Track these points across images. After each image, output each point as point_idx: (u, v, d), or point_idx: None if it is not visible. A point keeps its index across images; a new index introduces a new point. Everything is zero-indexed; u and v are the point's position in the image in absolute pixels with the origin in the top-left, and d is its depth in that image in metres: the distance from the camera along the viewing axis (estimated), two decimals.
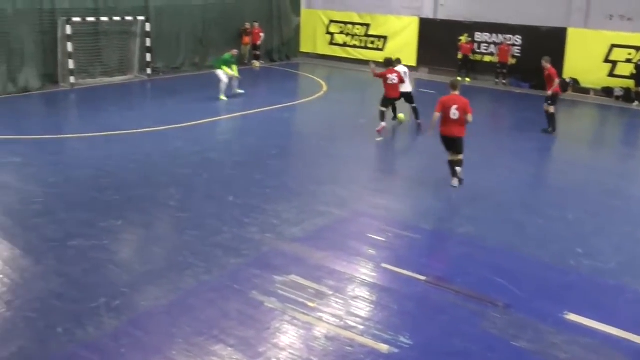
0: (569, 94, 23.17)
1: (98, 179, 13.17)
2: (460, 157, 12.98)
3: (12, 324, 7.77)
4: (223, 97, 21.30)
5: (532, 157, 16.39)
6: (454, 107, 12.65)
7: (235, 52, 22.58)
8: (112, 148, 15.50)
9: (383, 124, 17.05)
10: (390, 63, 17.73)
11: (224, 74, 21.28)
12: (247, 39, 28.84)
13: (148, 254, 9.88)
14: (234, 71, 21.51)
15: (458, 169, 13.02)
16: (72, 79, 22.91)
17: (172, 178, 13.41)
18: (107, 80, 24.36)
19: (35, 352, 7.19)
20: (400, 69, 17.83)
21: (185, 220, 11.16)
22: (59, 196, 12.22)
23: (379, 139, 16.59)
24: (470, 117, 12.74)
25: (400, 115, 18.66)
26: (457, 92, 12.89)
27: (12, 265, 9.32)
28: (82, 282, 8.81)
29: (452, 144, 12.92)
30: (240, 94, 22.01)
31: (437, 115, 12.86)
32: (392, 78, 17.19)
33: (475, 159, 14.58)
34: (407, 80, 18.07)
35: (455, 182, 13.02)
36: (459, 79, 15.00)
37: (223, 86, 21.30)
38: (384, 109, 17.26)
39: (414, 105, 18.31)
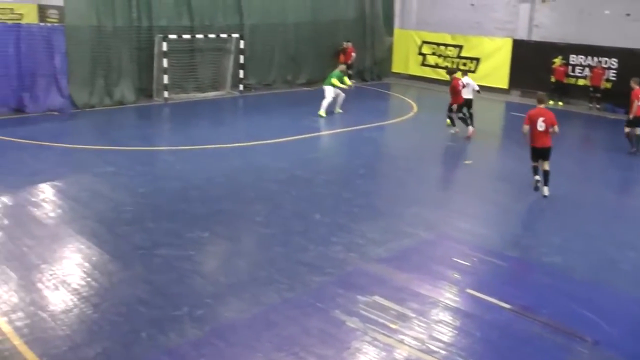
0: None
1: (186, 191, 13.34)
2: (547, 167, 13.63)
3: (99, 325, 7.91)
4: (322, 114, 21.47)
5: (624, 187, 15.81)
6: (541, 119, 13.40)
7: (343, 68, 23.16)
8: (202, 162, 15.71)
9: (471, 128, 19.01)
10: (454, 72, 20.00)
11: (332, 90, 21.53)
12: (343, 58, 28.96)
13: (233, 267, 9.89)
14: (346, 82, 22.08)
15: (539, 178, 13.72)
16: (165, 94, 23.49)
17: (260, 193, 13.45)
18: (199, 95, 24.87)
19: (118, 354, 7.27)
20: (465, 80, 19.81)
21: (270, 236, 11.14)
22: (148, 206, 12.43)
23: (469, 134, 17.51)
24: (556, 129, 13.42)
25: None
26: (542, 106, 13.63)
27: (101, 269, 9.50)
28: (167, 290, 8.89)
29: (541, 154, 13.64)
30: (339, 113, 22.13)
31: (526, 128, 13.59)
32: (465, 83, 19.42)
33: (565, 188, 14.19)
34: (469, 89, 19.84)
35: (546, 190, 13.62)
36: (551, 102, 15.37)
37: (325, 103, 21.50)
38: (460, 114, 19.07)
39: (471, 111, 19.63)
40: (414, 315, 8.42)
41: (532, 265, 10.48)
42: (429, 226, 11.87)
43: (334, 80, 21.60)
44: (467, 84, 19.83)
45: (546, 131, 13.43)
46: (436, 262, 10.24)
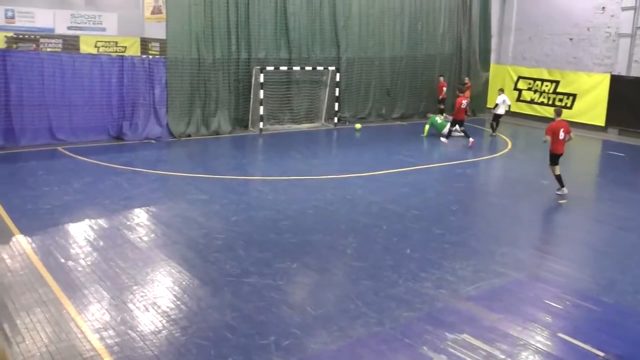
0: None
1: (278, 221, 13.37)
2: (559, 171, 16.22)
3: (186, 348, 7.96)
4: (444, 140, 23.67)
5: None
6: (562, 130, 16.02)
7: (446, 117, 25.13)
8: (294, 192, 15.76)
9: (471, 139, 22.94)
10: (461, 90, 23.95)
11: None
12: (466, 92, 29.61)
13: (321, 299, 9.77)
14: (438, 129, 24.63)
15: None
16: (261, 125, 23.82)
17: (351, 226, 13.34)
18: (294, 127, 25.18)
19: None
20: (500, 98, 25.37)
21: (360, 269, 10.99)
22: (239, 234, 12.49)
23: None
24: (572, 135, 16.44)
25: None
26: (560, 118, 16.35)
27: (190, 294, 9.58)
28: (255, 318, 8.86)
29: (559, 158, 16.19)
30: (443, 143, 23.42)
31: (548, 138, 16.13)
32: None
33: None
34: (502, 106, 25.40)
35: (565, 189, 16.16)
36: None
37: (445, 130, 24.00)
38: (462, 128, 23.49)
39: (492, 122, 25.55)
40: (503, 357, 8.13)
41: (629, 312, 9.90)
42: (520, 266, 11.50)
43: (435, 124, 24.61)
44: (503, 101, 25.29)
45: (564, 139, 16.10)
46: (527, 304, 9.88)
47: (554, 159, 16.25)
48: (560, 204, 15.84)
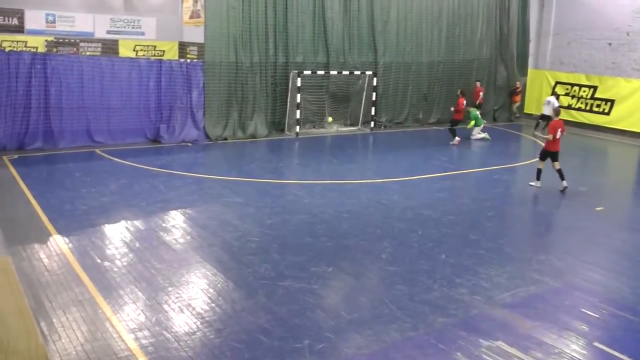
0: None
1: (313, 225, 13.36)
2: (559, 166, 17.30)
3: (220, 350, 7.98)
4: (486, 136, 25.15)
5: None
6: (559, 129, 17.02)
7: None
8: (330, 196, 15.74)
9: (457, 138, 23.76)
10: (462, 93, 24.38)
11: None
12: (516, 98, 30.50)
13: (355, 303, 9.73)
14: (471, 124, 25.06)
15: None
16: (297, 128, 23.87)
17: (386, 231, 13.28)
18: (331, 131, 25.14)
19: None
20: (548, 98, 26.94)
21: (395, 274, 10.93)
22: (274, 237, 12.50)
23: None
24: (565, 133, 17.70)
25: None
26: (558, 118, 17.36)
27: (224, 296, 9.61)
28: (289, 321, 8.85)
29: (555, 156, 17.23)
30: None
31: (551, 136, 17.04)
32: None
33: None
34: (547, 107, 26.29)
35: (539, 183, 17.58)
36: None
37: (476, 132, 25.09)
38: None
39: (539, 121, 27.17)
40: None
41: None
42: (557, 274, 11.32)
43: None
44: (549, 101, 26.48)
45: (560, 138, 17.16)
46: (563, 312, 9.72)
47: (548, 155, 17.31)
48: (598, 210, 15.60)
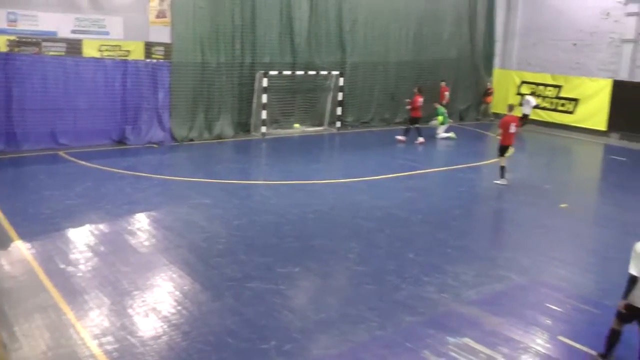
0: None
1: (280, 226, 13.33)
2: (505, 162, 17.80)
3: (187, 353, 7.93)
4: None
5: None
6: (513, 124, 17.55)
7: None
8: (296, 197, 15.71)
9: (421, 138, 24.00)
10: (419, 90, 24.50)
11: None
12: (488, 99, 30.91)
13: (323, 303, 9.73)
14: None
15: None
16: (263, 129, 23.81)
17: (353, 231, 13.29)
18: (297, 131, 25.12)
19: None
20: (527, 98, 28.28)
21: (363, 273, 10.94)
22: (241, 238, 12.45)
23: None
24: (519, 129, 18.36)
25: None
26: (512, 113, 18.00)
27: (191, 298, 9.55)
28: (256, 322, 8.82)
29: (506, 150, 17.69)
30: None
31: (500, 131, 17.67)
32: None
33: None
34: (526, 106, 27.78)
35: (505, 181, 17.67)
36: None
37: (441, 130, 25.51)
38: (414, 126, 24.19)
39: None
40: None
41: None
42: (522, 271, 11.46)
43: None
44: (528, 101, 27.80)
45: (514, 133, 17.67)
46: (529, 308, 9.87)
47: (504, 150, 17.71)
48: (562, 207, 15.79)
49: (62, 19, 30.41)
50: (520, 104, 27.55)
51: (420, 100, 24.11)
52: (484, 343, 8.53)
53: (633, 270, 7.89)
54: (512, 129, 17.56)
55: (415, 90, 24.54)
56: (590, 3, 28.83)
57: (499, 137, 17.92)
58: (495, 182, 17.81)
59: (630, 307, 8.06)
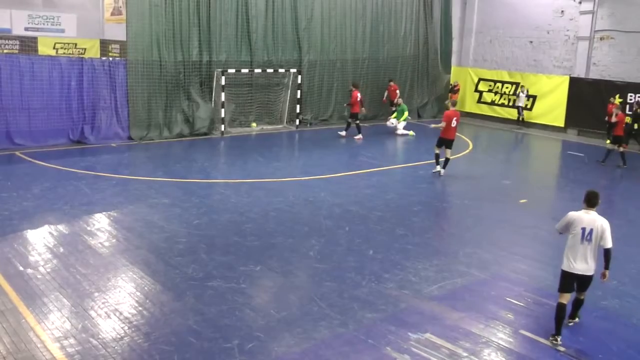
0: None
1: (240, 224, 13.33)
2: (450, 155, 18.63)
3: (149, 354, 7.90)
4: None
5: None
6: (455, 118, 18.10)
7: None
8: (256, 195, 15.72)
9: (360, 135, 24.46)
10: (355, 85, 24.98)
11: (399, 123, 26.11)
12: (454, 96, 30.49)
13: (284, 301, 9.77)
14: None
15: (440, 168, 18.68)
16: (222, 127, 23.71)
17: (313, 228, 13.35)
18: (256, 129, 25.11)
19: None
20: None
21: (323, 271, 11.01)
22: (202, 238, 12.43)
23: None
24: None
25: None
26: (454, 108, 18.48)
27: (152, 299, 9.52)
28: (218, 322, 8.84)
29: (449, 144, 18.36)
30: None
31: (443, 124, 18.17)
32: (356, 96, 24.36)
33: (623, 230, 13.67)
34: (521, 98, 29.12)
35: (442, 171, 18.58)
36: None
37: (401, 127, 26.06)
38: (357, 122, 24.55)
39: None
40: (465, 355, 8.26)
41: (589, 308, 10.04)
42: (483, 266, 11.63)
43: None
44: (519, 95, 29.10)
45: (456, 127, 18.28)
46: (490, 302, 10.03)
47: (443, 142, 18.42)
48: (522, 202, 16.04)
49: (15, 16, 29.84)
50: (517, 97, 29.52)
51: (357, 95, 24.33)
52: (446, 338, 8.65)
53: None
54: (454, 123, 18.15)
55: (351, 87, 24.96)
56: (544, 1, 29.34)
57: (436, 127, 19.01)
58: (433, 170, 18.81)
59: (565, 274, 8.79)
